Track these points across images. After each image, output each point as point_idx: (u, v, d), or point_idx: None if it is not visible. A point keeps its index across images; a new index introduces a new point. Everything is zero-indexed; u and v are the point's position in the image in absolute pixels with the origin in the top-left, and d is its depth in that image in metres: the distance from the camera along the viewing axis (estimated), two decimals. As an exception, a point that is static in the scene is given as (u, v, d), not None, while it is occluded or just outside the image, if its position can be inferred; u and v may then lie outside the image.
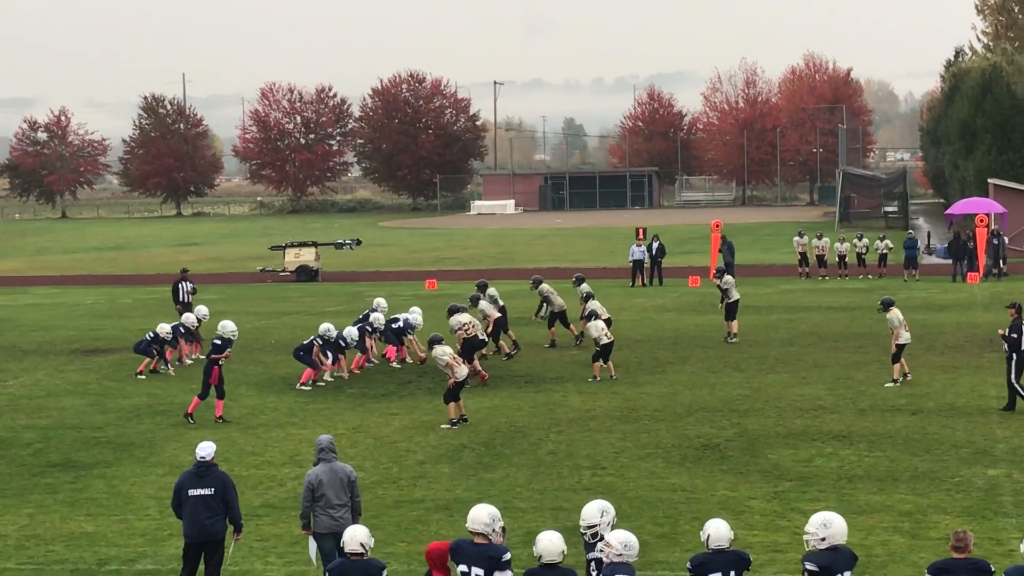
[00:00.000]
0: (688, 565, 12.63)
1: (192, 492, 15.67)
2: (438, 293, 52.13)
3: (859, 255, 57.59)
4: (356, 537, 12.94)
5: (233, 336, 28.00)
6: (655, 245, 55.68)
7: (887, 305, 29.97)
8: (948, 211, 68.08)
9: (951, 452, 22.80)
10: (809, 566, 12.12)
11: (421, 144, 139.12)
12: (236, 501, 15.87)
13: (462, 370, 26.18)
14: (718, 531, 12.62)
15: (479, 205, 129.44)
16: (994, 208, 61.00)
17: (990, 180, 67.60)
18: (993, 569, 12.24)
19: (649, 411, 27.18)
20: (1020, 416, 25.95)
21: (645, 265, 55.77)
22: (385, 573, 12.83)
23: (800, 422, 25.48)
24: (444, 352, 26.06)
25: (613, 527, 12.82)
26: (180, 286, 40.76)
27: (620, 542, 12.24)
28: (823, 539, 12.20)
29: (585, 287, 35.85)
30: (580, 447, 23.95)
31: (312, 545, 15.83)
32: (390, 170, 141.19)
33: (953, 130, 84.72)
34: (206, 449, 15.87)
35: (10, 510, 20.54)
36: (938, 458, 22.50)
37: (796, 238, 59.25)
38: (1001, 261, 55.51)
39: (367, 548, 12.90)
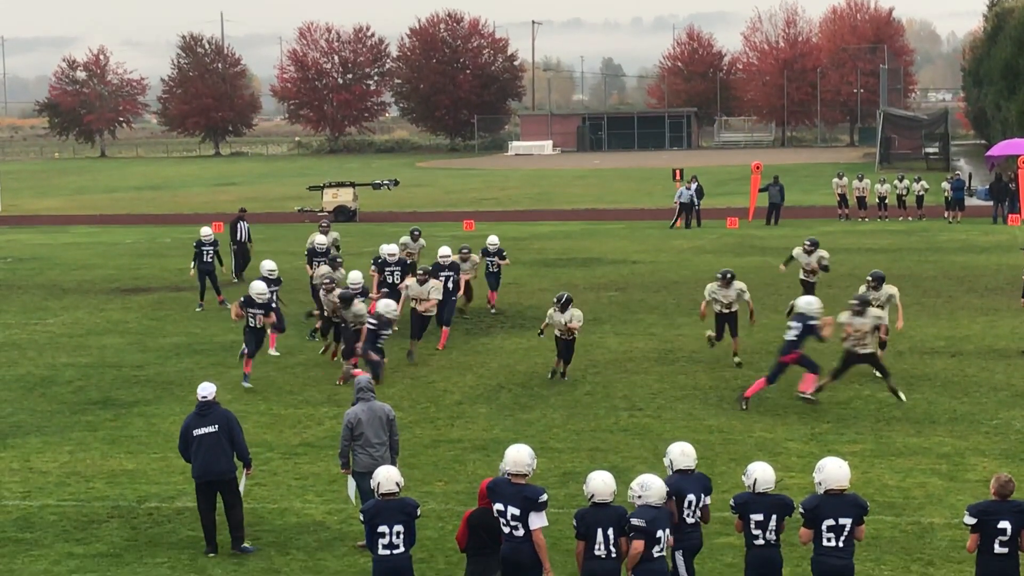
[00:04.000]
0: (731, 503, 12.71)
1: (197, 432, 15.72)
2: (475, 234, 52.11)
3: (899, 197, 57.20)
4: (391, 477, 12.99)
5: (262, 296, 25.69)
6: (693, 187, 55.43)
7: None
8: (989, 152, 67.47)
9: (990, 395, 22.70)
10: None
11: (459, 84, 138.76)
12: (241, 436, 15.89)
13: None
14: (765, 474, 12.70)
15: (517, 146, 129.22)
16: (1036, 149, 60.35)
17: (1032, 121, 66.96)
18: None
19: (686, 353, 27.15)
20: (1060, 359, 25.82)
21: (696, 208, 55.29)
22: (419, 511, 12.90)
23: (836, 364, 25.35)
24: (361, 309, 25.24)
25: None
26: (239, 226, 40.14)
27: (638, 483, 12.38)
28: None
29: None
30: (617, 388, 23.96)
31: (351, 484, 15.91)
32: (428, 110, 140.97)
33: (995, 70, 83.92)
34: (206, 389, 15.92)
35: (51, 447, 20.73)
36: (976, 401, 22.42)
37: (836, 179, 58.85)
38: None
39: (400, 487, 12.96)
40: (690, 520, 12.80)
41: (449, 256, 29.78)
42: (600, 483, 12.36)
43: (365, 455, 15.63)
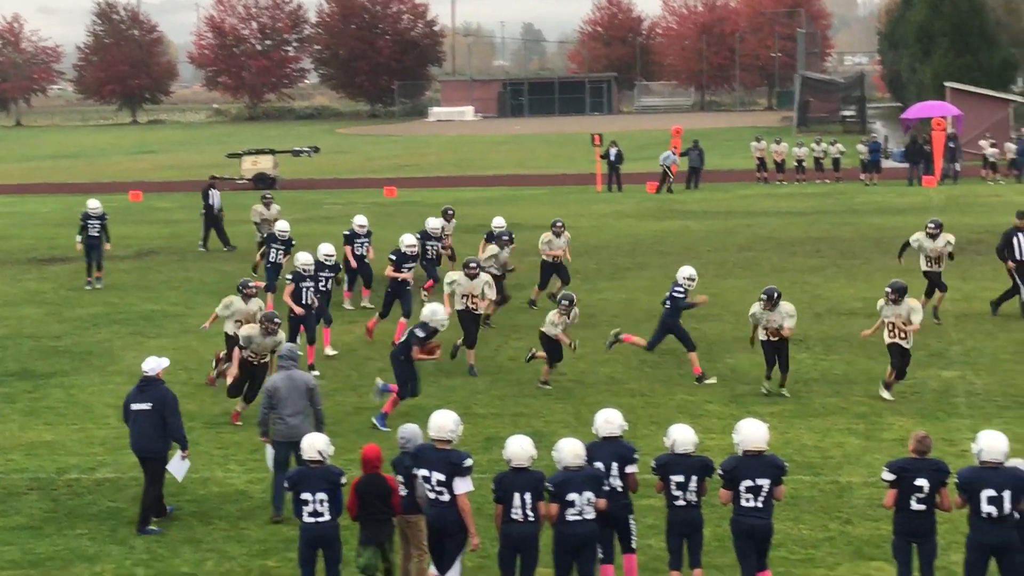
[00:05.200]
0: (652, 464, 12.84)
1: (133, 407, 15.64)
2: (397, 200, 51.98)
3: (817, 160, 57.66)
4: (314, 445, 13.02)
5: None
6: (613, 151, 55.56)
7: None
8: (905, 115, 68.13)
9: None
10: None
11: (379, 50, 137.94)
12: (176, 418, 15.62)
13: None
14: (684, 436, 12.85)
15: (437, 112, 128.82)
16: (950, 111, 61.08)
17: (947, 84, 67.64)
18: (949, 469, 12.44)
19: (608, 317, 27.29)
20: (974, 318, 26.25)
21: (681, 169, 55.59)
22: (344, 479, 12.93)
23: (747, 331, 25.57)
24: None
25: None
26: (210, 194, 39.14)
27: (555, 447, 12.66)
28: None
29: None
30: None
31: (269, 452, 15.90)
32: (347, 77, 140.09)
33: (910, 34, 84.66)
34: (148, 364, 15.80)
35: (-31, 420, 20.50)
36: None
37: (754, 143, 59.21)
38: (957, 164, 55.70)
39: (325, 456, 12.98)
40: (605, 488, 12.86)
41: (414, 246, 26.16)
42: (517, 448, 12.45)
43: (283, 424, 15.62)
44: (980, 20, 77.28)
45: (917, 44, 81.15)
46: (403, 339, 20.05)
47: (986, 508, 11.87)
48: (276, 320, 19.20)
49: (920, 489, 12.20)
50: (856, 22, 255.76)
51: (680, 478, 12.72)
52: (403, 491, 13.04)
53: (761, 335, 20.86)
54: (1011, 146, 55.82)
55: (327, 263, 24.48)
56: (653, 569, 13.39)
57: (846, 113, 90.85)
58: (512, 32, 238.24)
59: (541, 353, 21.85)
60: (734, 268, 33.13)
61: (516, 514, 12.33)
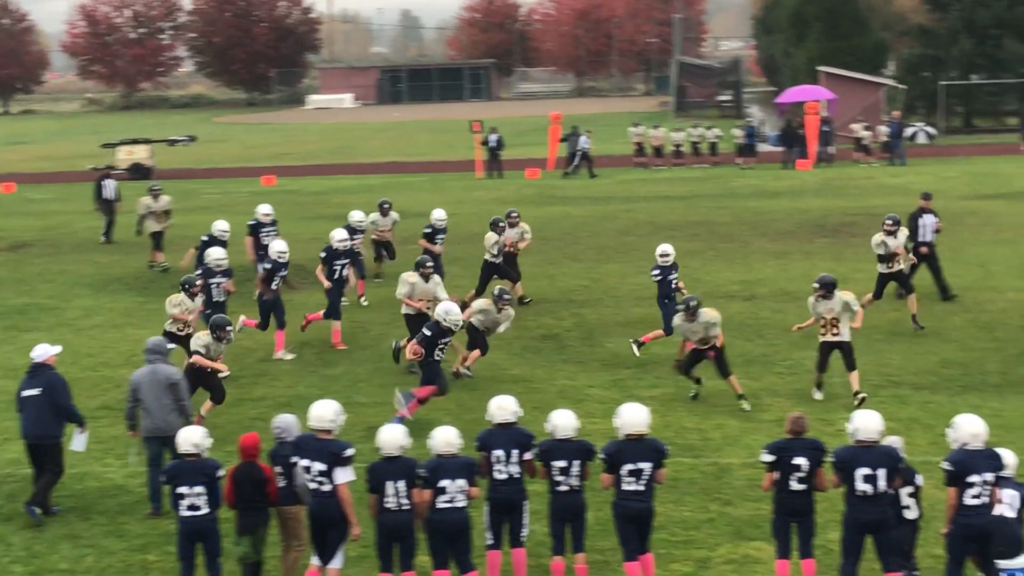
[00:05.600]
0: (536, 451, 12.88)
1: (24, 393, 15.57)
2: (277, 189, 51.57)
3: (694, 144, 58.16)
4: (189, 439, 12.92)
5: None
6: (493, 138, 55.60)
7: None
8: (779, 99, 68.97)
9: (782, 336, 23.29)
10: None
11: (254, 38, 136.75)
12: (66, 400, 15.64)
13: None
14: (564, 421, 12.90)
15: (316, 99, 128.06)
16: (824, 95, 61.93)
17: (820, 68, 68.57)
18: (827, 448, 12.63)
19: (489, 303, 27.26)
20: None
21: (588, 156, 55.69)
22: (220, 472, 12.82)
23: (638, 311, 25.82)
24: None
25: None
26: (104, 184, 38.25)
27: (431, 435, 12.73)
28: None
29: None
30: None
31: (136, 446, 15.86)
32: (223, 65, 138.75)
33: (784, 18, 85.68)
34: (36, 351, 15.77)
35: None
36: (770, 343, 23.00)
37: (632, 128, 59.57)
38: (831, 147, 56.49)
39: (201, 449, 12.87)
40: (500, 476, 12.90)
41: (347, 240, 24.63)
42: (387, 436, 12.48)
43: (148, 419, 15.53)
44: (852, 5, 78.36)
45: (791, 29, 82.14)
46: (420, 339, 19.05)
47: (861, 486, 12.07)
48: (228, 327, 18.78)
49: (798, 468, 12.39)
50: (731, 7, 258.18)
51: (562, 463, 12.78)
52: (282, 482, 12.98)
53: (820, 333, 19.54)
54: (883, 129, 56.73)
55: (280, 260, 23.35)
56: (536, 555, 13.44)
57: (722, 98, 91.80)
58: (390, 19, 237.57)
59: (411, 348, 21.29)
60: (613, 253, 33.31)
61: (390, 503, 12.36)
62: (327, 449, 12.60)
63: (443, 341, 18.97)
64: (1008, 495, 12.07)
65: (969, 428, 12.02)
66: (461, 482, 12.40)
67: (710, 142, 57.92)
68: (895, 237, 23.92)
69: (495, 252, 26.45)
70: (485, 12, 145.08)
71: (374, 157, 67.42)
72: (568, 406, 14.67)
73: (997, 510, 11.93)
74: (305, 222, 38.11)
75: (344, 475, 12.54)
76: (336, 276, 24.09)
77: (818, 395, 19.57)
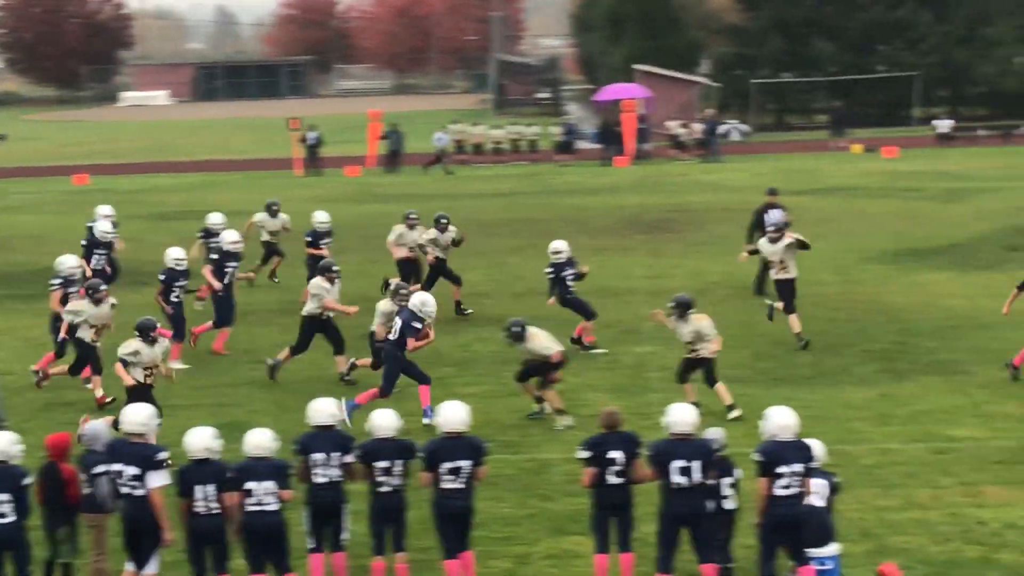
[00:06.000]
0: (356, 452, 12.82)
1: None
2: (90, 188, 50.54)
3: (513, 142, 58.50)
4: (-7, 446, 12.57)
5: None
6: (311, 135, 55.23)
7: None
8: (597, 97, 69.71)
9: (601, 331, 23.48)
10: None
11: (65, 33, 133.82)
12: None
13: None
14: (385, 422, 12.88)
15: (129, 96, 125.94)
16: (640, 93, 62.79)
17: (636, 66, 69.49)
18: (643, 441, 12.79)
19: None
20: (666, 295, 26.83)
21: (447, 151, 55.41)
22: (27, 480, 12.47)
23: (452, 308, 25.81)
24: None
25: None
26: None
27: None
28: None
29: None
30: (239, 341, 23.73)
31: None
32: (33, 61, 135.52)
33: (601, 17, 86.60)
34: None
35: None
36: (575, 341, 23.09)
37: (452, 126, 59.73)
38: (647, 145, 57.28)
39: (8, 456, 12.52)
40: (319, 479, 12.79)
41: (239, 242, 23.93)
42: (194, 440, 12.37)
43: None
44: (666, 4, 79.59)
45: (607, 27, 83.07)
46: (396, 335, 18.88)
47: (677, 479, 12.25)
48: (155, 329, 17.94)
49: (614, 462, 12.52)
50: (549, 6, 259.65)
51: (384, 464, 12.75)
52: (87, 489, 12.75)
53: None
54: (698, 126, 57.69)
55: (179, 268, 22.44)
56: (356, 555, 13.38)
57: (541, 96, 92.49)
58: (204, 15, 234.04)
59: (363, 361, 20.60)
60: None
61: (199, 507, 12.22)
62: (140, 453, 12.40)
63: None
64: (817, 484, 12.36)
65: (779, 420, 12.27)
66: (269, 484, 12.28)
67: (529, 140, 58.33)
68: (774, 244, 22.77)
69: (439, 248, 25.68)
70: (302, 8, 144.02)
71: (190, 155, 66.52)
72: (390, 405, 14.66)
73: (807, 500, 12.21)
74: (120, 221, 37.35)
75: (157, 479, 12.35)
76: (227, 281, 23.38)
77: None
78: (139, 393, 17.07)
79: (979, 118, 74.41)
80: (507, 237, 35.09)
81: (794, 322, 22.37)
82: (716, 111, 63.82)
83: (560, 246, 23.04)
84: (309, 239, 27.00)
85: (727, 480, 12.65)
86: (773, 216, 26.47)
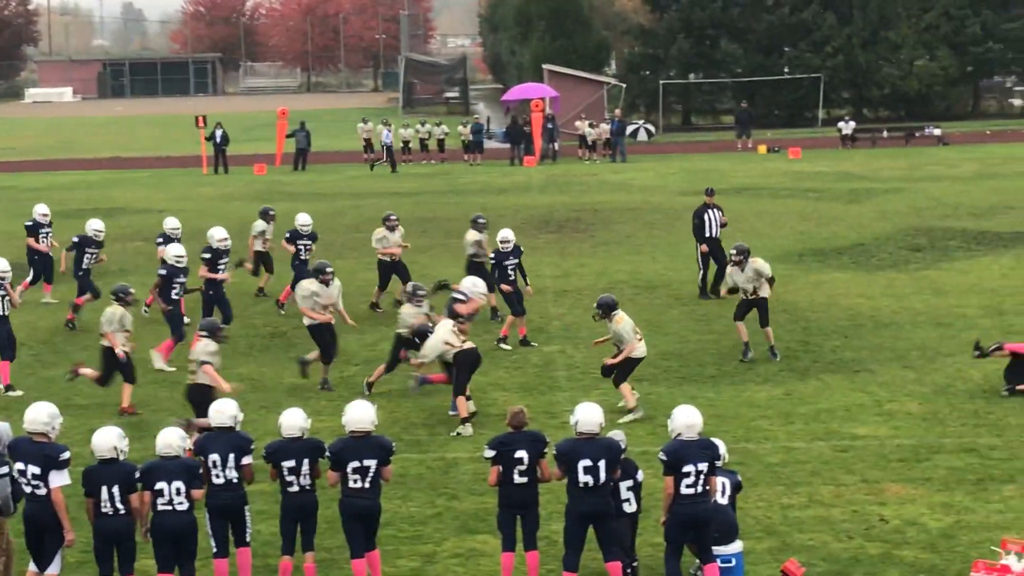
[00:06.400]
0: (263, 452, 12.77)
1: None
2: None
3: (422, 141, 58.44)
4: None
5: None
6: (218, 133, 54.86)
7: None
8: (505, 97, 69.82)
9: (511, 332, 23.54)
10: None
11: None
12: None
13: None
14: (291, 421, 12.85)
15: (34, 93, 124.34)
16: (548, 93, 62.99)
17: (544, 66, 69.68)
18: (549, 439, 12.85)
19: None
20: (573, 294, 27.12)
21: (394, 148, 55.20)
22: None
23: (365, 307, 25.79)
24: None
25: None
26: None
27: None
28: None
29: None
30: (147, 342, 23.52)
31: None
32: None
33: (509, 17, 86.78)
34: None
35: None
36: (496, 336, 23.18)
37: (361, 124, 59.60)
38: (555, 144, 57.46)
39: None
40: (218, 480, 12.71)
41: (227, 239, 23.74)
42: (100, 440, 12.29)
43: None
44: (575, 4, 79.81)
45: (516, 27, 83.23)
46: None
47: (583, 478, 12.31)
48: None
49: (520, 461, 12.57)
50: (457, 5, 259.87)
51: (291, 463, 12.70)
52: None
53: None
54: (606, 126, 57.97)
55: (179, 265, 22.26)
56: (263, 555, 13.33)
57: (450, 95, 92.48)
58: (111, 11, 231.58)
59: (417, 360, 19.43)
60: (343, 249, 33.26)
61: (106, 507, 12.13)
62: (42, 452, 12.27)
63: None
64: (720, 483, 12.49)
65: (683, 419, 12.37)
66: (178, 484, 12.20)
67: (438, 139, 58.31)
68: (742, 269, 21.48)
69: (481, 252, 24.87)
70: (209, 6, 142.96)
71: (96, 152, 65.81)
72: (297, 404, 14.60)
73: (712, 498, 12.32)
74: (24, 220, 36.90)
75: (58, 479, 12.24)
76: (221, 280, 23.24)
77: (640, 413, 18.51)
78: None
79: (882, 120, 75.42)
80: (415, 236, 34.99)
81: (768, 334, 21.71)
82: (624, 111, 64.16)
83: (508, 235, 23.31)
84: (287, 237, 26.43)
85: (625, 484, 12.72)
86: (712, 216, 26.63)
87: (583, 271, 28.92)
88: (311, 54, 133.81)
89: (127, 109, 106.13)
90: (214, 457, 12.68)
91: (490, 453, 12.69)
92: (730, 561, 12.44)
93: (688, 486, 12.14)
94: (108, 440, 12.24)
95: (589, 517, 12.39)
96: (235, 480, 12.73)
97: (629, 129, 63.49)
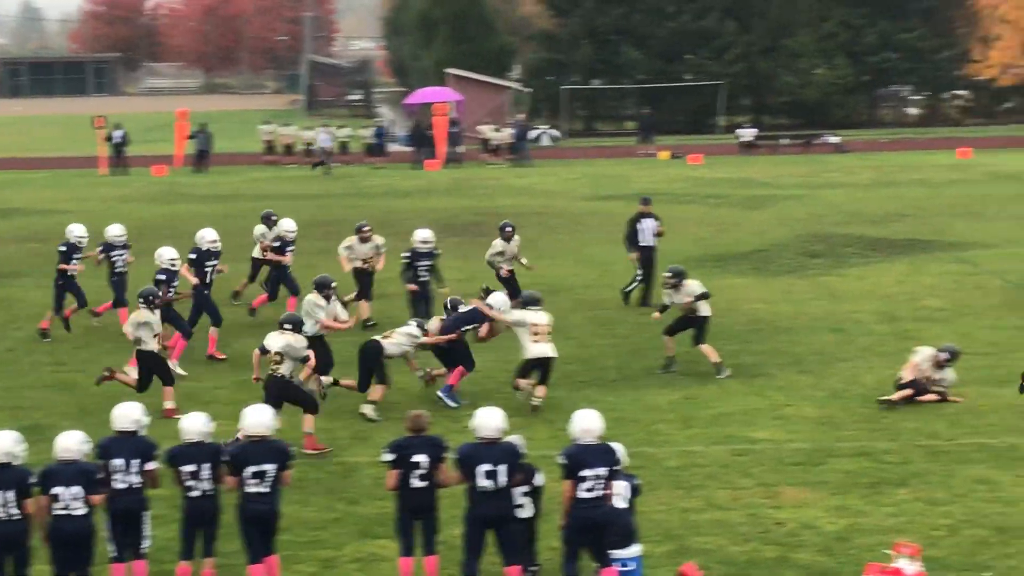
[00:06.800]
0: (165, 456, 12.67)
1: None
2: None
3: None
4: None
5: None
6: (117, 134, 54.27)
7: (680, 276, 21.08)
8: (408, 100, 69.75)
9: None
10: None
11: None
12: None
13: None
14: (191, 426, 12.75)
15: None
16: (452, 97, 63.01)
17: (448, 70, 69.70)
18: (448, 444, 12.85)
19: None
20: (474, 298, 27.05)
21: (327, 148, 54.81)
22: None
23: (266, 311, 25.58)
24: None
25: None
26: None
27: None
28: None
29: None
30: (40, 343, 23.26)
31: None
32: None
33: (412, 21, 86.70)
34: None
35: None
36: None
37: (263, 126, 59.27)
38: (459, 148, 57.51)
39: None
40: (119, 485, 12.55)
41: (216, 241, 23.30)
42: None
43: None
44: (478, 8, 79.98)
45: (419, 31, 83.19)
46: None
47: (483, 482, 12.32)
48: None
49: (418, 466, 12.56)
50: (361, 7, 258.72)
51: (192, 467, 12.60)
52: None
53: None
54: (509, 131, 58.12)
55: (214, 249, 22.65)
56: (159, 560, 13.20)
57: (353, 97, 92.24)
58: (8, 10, 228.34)
59: (439, 371, 19.95)
60: (241, 252, 32.95)
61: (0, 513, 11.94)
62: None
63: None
64: (619, 487, 12.56)
65: (582, 423, 12.42)
66: (76, 489, 12.05)
67: (341, 142, 58.13)
68: (677, 291, 21.20)
69: (504, 259, 25.19)
70: (109, 5, 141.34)
71: (-9, 152, 64.84)
72: (195, 408, 14.48)
73: (610, 502, 12.39)
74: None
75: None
76: (209, 280, 22.93)
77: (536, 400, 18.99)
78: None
79: (782, 127, 76.28)
80: (317, 239, 34.88)
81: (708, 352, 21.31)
82: (527, 116, 64.31)
83: (428, 235, 23.39)
84: (275, 245, 25.49)
85: (521, 488, 12.74)
86: (646, 225, 26.65)
87: (486, 275, 28.90)
88: (213, 55, 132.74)
89: (25, 109, 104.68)
90: (118, 462, 12.54)
91: (388, 457, 12.66)
92: (629, 565, 12.51)
93: (587, 490, 12.19)
94: (3, 445, 12.04)
95: (489, 521, 12.40)
96: (137, 485, 12.60)
97: (532, 134, 63.70)
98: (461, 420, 17.91)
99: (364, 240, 25.25)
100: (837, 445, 17.16)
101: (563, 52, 77.46)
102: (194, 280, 22.75)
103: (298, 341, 17.35)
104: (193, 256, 22.96)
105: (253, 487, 12.45)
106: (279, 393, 17.07)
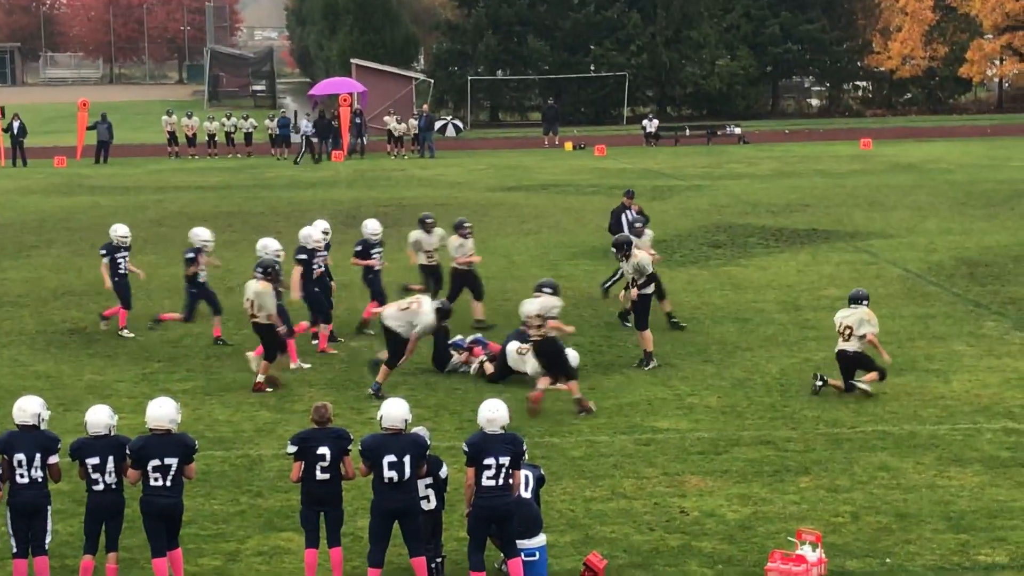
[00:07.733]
0: (68, 449, 12.50)
1: None
2: None
3: (228, 134, 57.81)
4: None
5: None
6: (15, 124, 53.52)
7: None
8: (313, 91, 69.42)
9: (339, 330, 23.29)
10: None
11: None
12: None
13: None
14: (95, 418, 12.58)
15: None
16: (356, 88, 62.80)
17: (352, 60, 69.44)
18: (352, 436, 12.82)
19: (12, 297, 26.34)
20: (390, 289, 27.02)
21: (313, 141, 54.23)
22: None
23: (169, 303, 25.36)
24: None
25: None
26: None
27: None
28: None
29: None
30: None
31: None
32: None
33: (317, 10, 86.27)
34: None
35: None
36: (305, 334, 22.97)
37: (165, 117, 58.68)
38: (363, 139, 57.34)
39: None
40: (21, 480, 12.37)
41: (210, 241, 23.38)
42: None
43: None
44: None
45: (324, 21, 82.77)
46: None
47: (388, 473, 12.31)
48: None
49: (323, 458, 12.51)
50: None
51: (95, 460, 12.45)
52: None
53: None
54: (414, 122, 58.01)
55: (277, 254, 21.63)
56: (60, 556, 13.06)
57: (256, 88, 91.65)
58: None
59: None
60: (145, 244, 32.67)
61: None
62: None
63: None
64: (524, 476, 12.60)
65: (487, 413, 12.46)
66: None
67: (245, 132, 57.76)
68: (626, 261, 21.25)
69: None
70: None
71: None
72: (97, 401, 14.34)
73: (514, 492, 12.43)
74: None
75: None
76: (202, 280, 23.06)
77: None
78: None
79: (685, 118, 76.84)
80: (220, 231, 34.57)
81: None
82: (431, 107, 64.26)
83: (375, 227, 23.70)
84: (359, 249, 24.06)
85: (424, 480, 12.75)
86: (629, 217, 26.66)
87: (392, 266, 28.84)
88: (114, 45, 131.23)
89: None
90: (20, 456, 12.36)
91: (292, 449, 12.61)
92: (534, 555, 12.56)
93: (489, 478, 12.23)
94: None
95: (394, 513, 12.39)
96: (40, 479, 12.45)
97: (437, 125, 63.65)
98: (365, 411, 17.89)
99: (428, 231, 24.40)
100: (740, 434, 17.32)
101: (468, 43, 77.48)
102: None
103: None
104: (191, 255, 22.71)
105: (156, 480, 12.34)
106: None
